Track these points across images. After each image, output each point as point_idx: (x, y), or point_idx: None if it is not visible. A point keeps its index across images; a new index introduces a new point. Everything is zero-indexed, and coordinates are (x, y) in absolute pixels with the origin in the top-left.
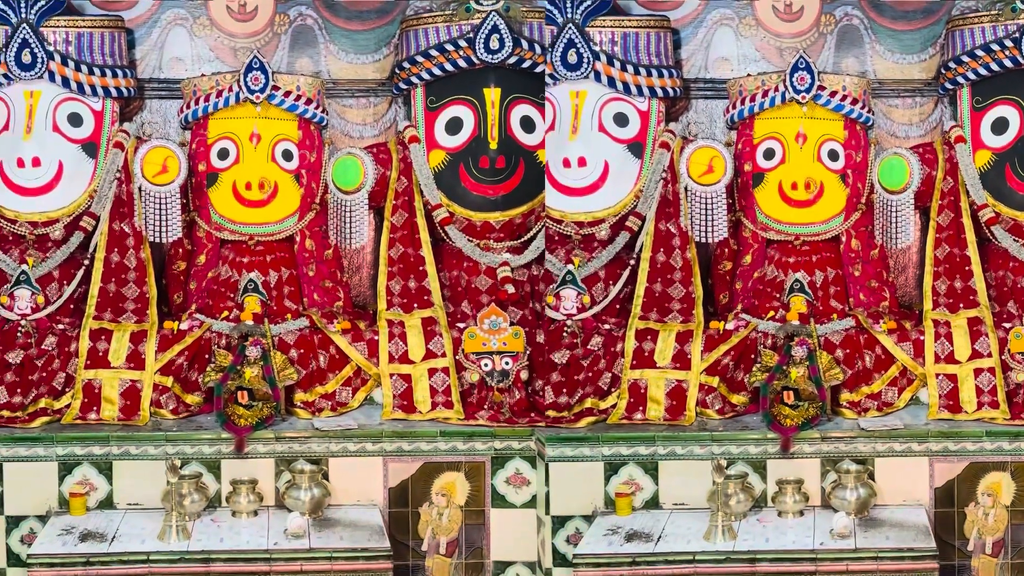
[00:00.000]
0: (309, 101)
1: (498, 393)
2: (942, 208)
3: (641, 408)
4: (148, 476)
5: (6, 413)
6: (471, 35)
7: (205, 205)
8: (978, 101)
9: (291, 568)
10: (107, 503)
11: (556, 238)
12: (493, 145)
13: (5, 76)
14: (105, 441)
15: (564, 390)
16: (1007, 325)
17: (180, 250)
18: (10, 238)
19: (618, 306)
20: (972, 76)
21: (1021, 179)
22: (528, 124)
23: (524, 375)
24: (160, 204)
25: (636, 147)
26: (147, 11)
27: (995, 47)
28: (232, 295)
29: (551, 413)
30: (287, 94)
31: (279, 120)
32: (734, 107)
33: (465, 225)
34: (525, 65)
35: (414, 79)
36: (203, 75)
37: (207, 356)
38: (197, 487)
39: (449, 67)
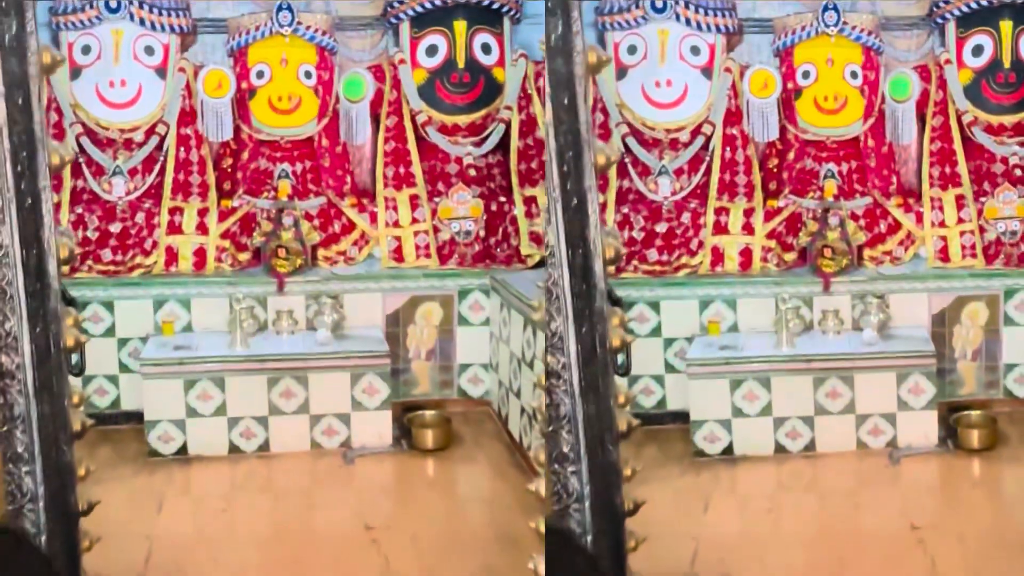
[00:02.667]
0: (324, 33)
1: (463, 246)
2: (935, 114)
3: (721, 263)
4: (216, 309)
5: (111, 268)
6: None
7: (247, 114)
8: (961, 32)
9: (320, 364)
10: (188, 328)
11: (651, 141)
12: (461, 65)
13: (97, 18)
14: (185, 285)
15: (665, 251)
16: (983, 199)
17: (227, 150)
18: (104, 141)
19: (698, 191)
20: (956, 13)
21: (993, 91)
22: (487, 48)
23: (482, 233)
24: (217, 112)
25: (706, 71)
26: None
27: None
28: (269, 181)
29: (656, 268)
30: (308, 28)
31: (302, 48)
32: (779, 39)
33: (440, 126)
34: (485, 3)
35: (401, 15)
36: (243, 15)
37: (253, 225)
38: (251, 315)
39: (428, 5)
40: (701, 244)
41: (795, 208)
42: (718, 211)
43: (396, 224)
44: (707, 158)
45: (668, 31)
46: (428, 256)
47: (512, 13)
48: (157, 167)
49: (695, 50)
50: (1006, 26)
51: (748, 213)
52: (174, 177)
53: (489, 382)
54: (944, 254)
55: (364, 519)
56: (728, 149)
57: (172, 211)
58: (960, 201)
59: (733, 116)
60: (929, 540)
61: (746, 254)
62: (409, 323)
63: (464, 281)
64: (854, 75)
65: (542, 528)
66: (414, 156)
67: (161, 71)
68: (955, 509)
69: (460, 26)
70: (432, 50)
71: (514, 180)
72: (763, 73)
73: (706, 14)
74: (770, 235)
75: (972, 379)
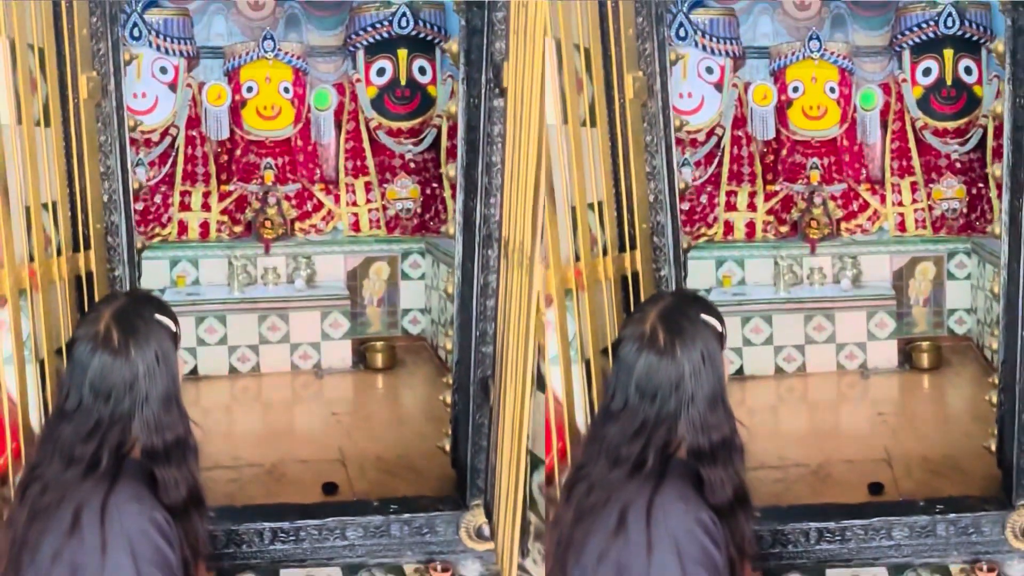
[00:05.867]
0: (299, 58)
1: (405, 220)
2: (894, 120)
3: (731, 233)
4: (218, 267)
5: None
6: (390, 18)
7: (239, 120)
8: (914, 57)
9: (298, 305)
10: (196, 282)
11: (676, 140)
12: (403, 83)
13: (123, 44)
14: (193, 249)
15: (688, 224)
16: (931, 185)
17: (224, 147)
18: (130, 140)
19: (713, 178)
20: (911, 43)
21: (939, 103)
22: (423, 70)
23: (419, 210)
24: (217, 118)
25: (718, 86)
26: (200, 5)
27: (924, 25)
28: (257, 171)
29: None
30: (286, 53)
31: (282, 69)
32: (774, 61)
33: (387, 129)
34: (421, 36)
35: (358, 45)
36: (236, 43)
37: (245, 204)
38: (245, 271)
39: (378, 37)
40: (716, 219)
41: (788, 191)
42: (728, 193)
43: (354, 204)
44: (719, 153)
45: (688, 55)
46: (379, 227)
47: (442, 44)
48: (170, 160)
49: (709, 69)
50: (948, 54)
51: (752, 195)
52: (183, 168)
53: (424, 323)
54: (902, 226)
55: (331, 410)
56: (735, 146)
57: (182, 194)
58: (914, 186)
59: (739, 121)
60: (890, 420)
61: (751, 226)
62: (364, 278)
63: (406, 246)
64: (832, 90)
65: (448, 398)
66: (368, 152)
67: (172, 86)
68: (909, 404)
69: (402, 53)
70: (381, 71)
71: (444, 178)
72: (763, 87)
73: (718, 42)
74: (769, 212)
75: (923, 320)
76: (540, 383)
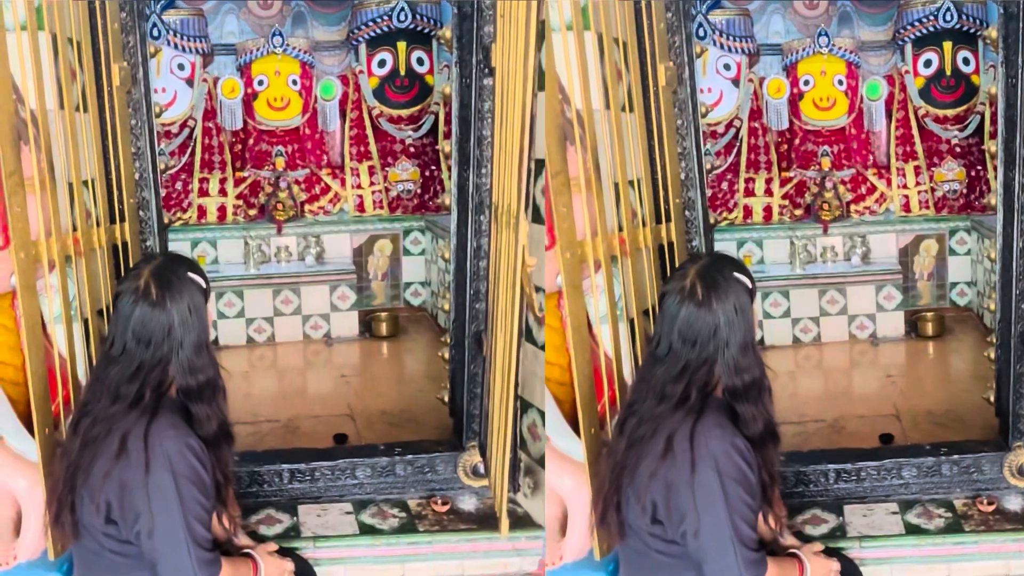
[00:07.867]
0: (305, 52)
1: (406, 200)
2: (898, 109)
3: (750, 216)
4: (236, 248)
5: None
6: (389, 12)
7: (252, 111)
8: (916, 50)
9: (308, 280)
10: (215, 261)
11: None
12: (402, 73)
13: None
14: (212, 231)
15: (711, 209)
16: (933, 168)
17: (238, 137)
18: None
19: (733, 167)
20: (912, 37)
21: (939, 92)
22: (420, 61)
23: (419, 191)
24: (231, 110)
25: (735, 82)
26: (213, 5)
27: (924, 20)
28: (270, 158)
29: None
30: (294, 48)
31: (290, 63)
32: (786, 57)
33: (388, 117)
34: (419, 29)
35: (360, 39)
36: (247, 40)
37: (259, 189)
38: (260, 250)
39: (379, 31)
40: (736, 204)
41: (801, 177)
42: (747, 180)
43: (359, 186)
44: (738, 143)
45: (708, 52)
46: (381, 207)
47: (437, 35)
48: (189, 150)
49: (727, 66)
50: (947, 46)
51: (768, 181)
52: (201, 156)
53: (425, 294)
54: (906, 207)
55: (340, 373)
56: (752, 137)
57: (201, 180)
58: (917, 170)
59: (755, 113)
60: (898, 381)
61: (768, 210)
62: (369, 254)
63: (407, 224)
64: (840, 82)
65: (447, 355)
66: (371, 139)
67: (190, 81)
68: (916, 367)
69: (401, 46)
70: (382, 63)
71: (441, 154)
72: (776, 81)
73: (734, 40)
74: (784, 196)
75: (927, 293)
76: (528, 334)
